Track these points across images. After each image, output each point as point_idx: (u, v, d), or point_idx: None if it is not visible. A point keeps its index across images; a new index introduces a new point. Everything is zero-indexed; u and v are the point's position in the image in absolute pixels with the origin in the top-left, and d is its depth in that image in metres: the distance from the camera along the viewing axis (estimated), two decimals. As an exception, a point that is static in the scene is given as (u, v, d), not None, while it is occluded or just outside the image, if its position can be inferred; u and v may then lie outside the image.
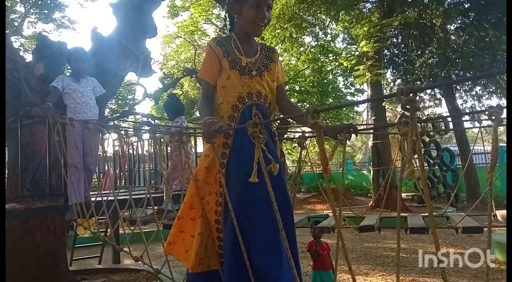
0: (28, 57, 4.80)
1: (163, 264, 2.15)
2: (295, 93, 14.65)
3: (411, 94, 0.92)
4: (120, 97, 17.42)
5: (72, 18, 19.59)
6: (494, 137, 0.98)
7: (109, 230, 5.06)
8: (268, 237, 1.63)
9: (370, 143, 12.70)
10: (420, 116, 13.03)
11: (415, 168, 0.97)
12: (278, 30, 11.40)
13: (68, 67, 3.93)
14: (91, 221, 3.72)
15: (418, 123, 0.96)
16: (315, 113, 1.18)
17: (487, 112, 0.99)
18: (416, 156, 0.99)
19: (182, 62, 19.90)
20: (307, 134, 2.29)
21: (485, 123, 2.78)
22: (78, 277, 4.49)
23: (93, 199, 3.23)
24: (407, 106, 0.92)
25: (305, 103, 14.15)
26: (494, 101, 14.11)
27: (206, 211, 1.77)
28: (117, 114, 13.35)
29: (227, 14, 1.99)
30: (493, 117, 0.97)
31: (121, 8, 4.60)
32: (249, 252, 1.57)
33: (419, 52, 12.38)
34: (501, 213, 3.08)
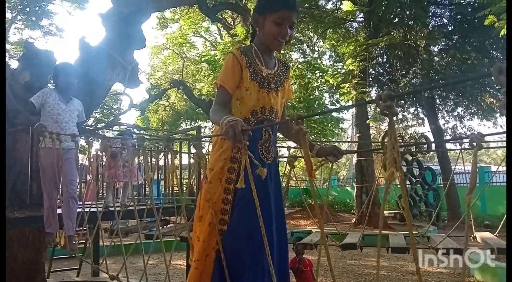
0: (13, 64, 4.74)
1: (140, 279, 2.11)
2: (285, 110, 14.72)
3: (388, 101, 0.97)
4: (105, 106, 17.27)
5: (60, 26, 19.47)
6: (474, 162, 1.01)
7: (88, 242, 4.98)
8: (263, 258, 1.58)
9: (354, 160, 12.82)
10: (403, 134, 13.25)
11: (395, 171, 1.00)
12: (267, 46, 11.55)
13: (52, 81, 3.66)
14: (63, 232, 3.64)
15: (401, 142, 1.00)
16: (299, 120, 1.25)
17: (469, 139, 1.02)
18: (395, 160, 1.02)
19: (170, 73, 19.92)
20: (294, 151, 2.33)
21: (466, 145, 2.84)
22: (55, 289, 4.39)
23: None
24: (385, 111, 0.97)
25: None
26: (475, 122, 14.43)
27: (206, 233, 1.69)
28: (102, 124, 13.22)
29: (250, 25, 1.97)
30: (474, 144, 1.01)
31: (111, 18, 4.61)
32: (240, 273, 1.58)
33: (403, 72, 12.64)
34: (480, 235, 3.13)
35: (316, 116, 14.95)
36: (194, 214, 1.81)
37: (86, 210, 3.02)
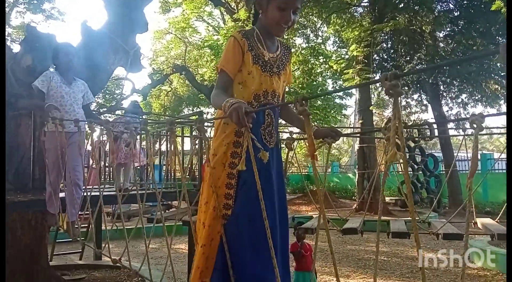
0: (15, 48, 4.72)
1: (141, 263, 2.13)
2: (285, 94, 14.67)
3: (394, 80, 0.96)
4: (107, 91, 17.25)
5: (62, 10, 19.33)
6: (475, 144, 1.01)
7: (91, 226, 5.03)
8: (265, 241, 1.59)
9: (357, 146, 12.81)
10: (406, 121, 13.18)
11: (399, 153, 0.99)
12: (270, 31, 11.45)
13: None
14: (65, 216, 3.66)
15: (404, 129, 0.99)
16: (303, 101, 1.25)
17: (469, 120, 1.01)
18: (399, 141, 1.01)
19: (172, 58, 19.80)
20: (294, 135, 2.32)
21: (469, 131, 2.82)
22: (58, 272, 4.44)
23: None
24: (391, 91, 0.96)
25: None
26: (479, 109, 14.33)
27: (211, 217, 1.70)
28: (104, 109, 13.21)
29: (253, 6, 1.90)
30: (475, 125, 1.00)
31: (113, 2, 4.56)
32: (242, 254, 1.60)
33: (408, 58, 12.53)
34: (481, 221, 3.14)
35: (319, 103, 14.87)
36: (199, 200, 1.82)
37: (89, 194, 3.04)
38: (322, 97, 15.12)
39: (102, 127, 2.95)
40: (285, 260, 1.82)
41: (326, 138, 1.81)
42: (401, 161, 0.98)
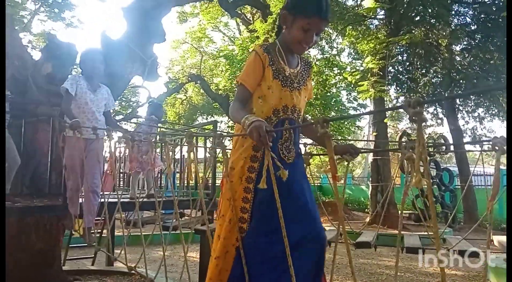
0: (35, 55, 4.83)
1: (157, 271, 2.15)
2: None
3: (418, 107, 0.95)
4: (123, 99, 17.48)
5: (82, 19, 19.75)
6: (496, 167, 0.99)
7: (104, 231, 5.06)
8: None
9: (370, 159, 12.71)
10: (424, 131, 13.02)
11: (423, 179, 0.99)
12: (285, 42, 11.52)
13: (77, 69, 3.74)
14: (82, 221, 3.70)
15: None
16: (324, 123, 1.26)
17: (491, 143, 1.00)
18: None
19: (188, 67, 20.02)
20: (308, 147, 2.32)
21: (485, 147, 2.79)
22: (71, 277, 4.48)
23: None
24: (414, 118, 0.95)
25: (307, 115, 14.15)
26: (496, 123, 14.15)
27: (227, 230, 1.69)
28: (121, 116, 13.39)
29: (278, 19, 1.90)
30: (497, 148, 0.98)
31: (132, 12, 4.65)
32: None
33: (424, 71, 12.43)
34: (497, 238, 3.08)
35: (333, 113, 14.84)
36: (217, 213, 1.83)
37: (106, 200, 3.08)
38: (336, 108, 15.09)
39: (121, 136, 2.99)
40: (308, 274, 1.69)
41: (344, 155, 1.81)
42: (425, 185, 0.98)
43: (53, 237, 3.93)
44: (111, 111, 3.61)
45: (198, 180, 3.47)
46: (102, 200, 3.22)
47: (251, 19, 16.15)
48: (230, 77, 15.69)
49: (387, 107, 13.01)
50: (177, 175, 6.21)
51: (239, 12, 15.44)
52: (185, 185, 5.57)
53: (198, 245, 4.23)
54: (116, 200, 3.10)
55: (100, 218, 3.74)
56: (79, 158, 3.01)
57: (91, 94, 3.25)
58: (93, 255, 5.67)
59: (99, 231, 5.50)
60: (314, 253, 1.68)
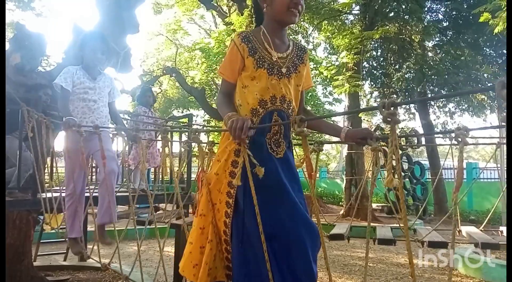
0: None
1: (132, 267, 2.12)
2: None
3: (392, 108, 0.96)
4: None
5: (52, 8, 19.17)
6: (460, 158, 1.02)
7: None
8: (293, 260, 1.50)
9: (345, 152, 12.89)
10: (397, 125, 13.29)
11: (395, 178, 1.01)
12: (261, 35, 11.50)
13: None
14: (59, 217, 3.61)
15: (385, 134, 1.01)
16: (300, 122, 1.27)
17: (454, 134, 1.02)
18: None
19: (163, 60, 19.75)
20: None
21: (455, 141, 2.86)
22: (42, 273, 4.38)
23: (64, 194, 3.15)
24: (388, 119, 0.96)
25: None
26: (466, 118, 14.55)
27: (217, 218, 1.64)
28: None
29: (253, 6, 1.79)
30: (459, 139, 1.00)
31: (105, 2, 4.54)
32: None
33: (397, 67, 12.68)
34: (466, 229, 3.19)
35: (309, 108, 14.91)
36: (197, 205, 1.79)
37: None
38: (312, 103, 15.20)
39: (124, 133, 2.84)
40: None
41: (368, 140, 1.56)
42: (396, 184, 0.99)
43: (23, 232, 3.83)
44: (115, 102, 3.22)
45: (173, 174, 3.42)
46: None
47: (227, 12, 16.02)
48: (206, 70, 15.56)
49: (361, 101, 13.20)
50: (152, 169, 6.13)
51: (215, 4, 15.31)
52: (160, 179, 5.52)
53: (173, 239, 4.21)
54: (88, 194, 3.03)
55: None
56: (79, 158, 2.63)
57: (90, 82, 2.97)
58: (65, 251, 5.56)
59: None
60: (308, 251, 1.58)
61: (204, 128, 13.15)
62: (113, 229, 2.60)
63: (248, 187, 1.51)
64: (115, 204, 2.86)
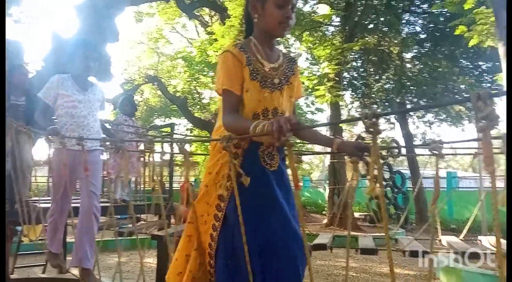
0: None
1: (113, 278, 2.08)
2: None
3: (373, 119, 0.98)
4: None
5: (32, 15, 18.84)
6: (436, 171, 1.03)
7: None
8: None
9: (327, 162, 12.98)
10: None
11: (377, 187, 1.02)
12: (244, 45, 11.58)
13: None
14: (37, 228, 3.51)
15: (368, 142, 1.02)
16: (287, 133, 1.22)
17: (430, 147, 1.03)
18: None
19: (144, 68, 19.61)
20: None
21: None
22: (19, 287, 4.24)
23: (44, 205, 3.07)
24: (370, 129, 0.97)
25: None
26: (444, 128, 14.88)
27: (203, 230, 1.59)
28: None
29: (245, 16, 1.73)
30: (435, 152, 1.01)
31: (85, 10, 4.52)
32: None
33: (377, 77, 12.92)
34: (446, 238, 3.23)
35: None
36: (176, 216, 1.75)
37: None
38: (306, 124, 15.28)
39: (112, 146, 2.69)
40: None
41: (353, 156, 1.53)
42: (378, 192, 1.00)
43: (-2, 245, 3.71)
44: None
45: (155, 185, 3.34)
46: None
47: (209, 21, 16.07)
48: (189, 79, 15.53)
49: (342, 111, 13.36)
50: (133, 179, 6.05)
51: (197, 14, 15.33)
52: (142, 189, 5.45)
53: (155, 250, 4.14)
54: (76, 205, 2.97)
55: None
56: (65, 175, 2.46)
57: (80, 95, 2.72)
58: (44, 263, 5.41)
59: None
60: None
61: (187, 137, 13.07)
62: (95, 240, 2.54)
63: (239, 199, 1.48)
64: (92, 246, 2.60)
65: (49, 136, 2.38)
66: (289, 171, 1.66)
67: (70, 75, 2.78)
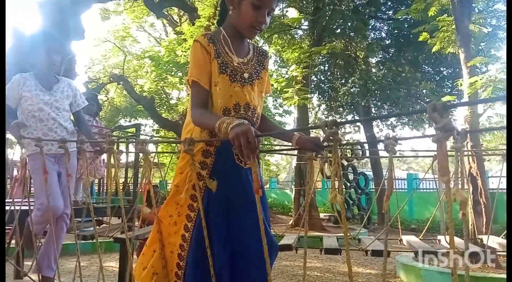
0: None
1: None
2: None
3: (334, 127, 1.00)
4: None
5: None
6: (389, 168, 1.07)
7: (12, 241, 4.66)
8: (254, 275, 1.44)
9: (294, 163, 13.12)
10: (343, 137, 13.78)
11: (338, 193, 1.04)
12: (212, 46, 11.54)
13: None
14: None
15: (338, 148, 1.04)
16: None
17: (384, 143, 1.07)
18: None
19: (110, 67, 19.20)
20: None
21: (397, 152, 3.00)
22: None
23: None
24: (331, 137, 1.00)
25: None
26: (406, 131, 15.34)
27: (172, 231, 1.56)
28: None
29: (221, 3, 1.64)
30: (389, 149, 1.05)
31: (48, 6, 4.38)
32: None
33: (343, 81, 13.19)
34: (406, 238, 3.33)
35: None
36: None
37: (14, 207, 2.82)
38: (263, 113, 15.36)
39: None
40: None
41: (307, 151, 1.60)
42: (339, 200, 1.02)
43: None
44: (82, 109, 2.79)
45: (118, 187, 3.26)
46: (13, 207, 2.90)
47: (178, 21, 15.91)
48: (156, 79, 15.31)
49: (310, 113, 13.55)
50: (96, 181, 5.91)
51: (166, 13, 15.16)
52: (105, 191, 5.33)
53: (117, 254, 4.06)
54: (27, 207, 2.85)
55: (9, 227, 3.42)
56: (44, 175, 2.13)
57: (45, 95, 2.49)
58: (-2, 268, 5.19)
59: (7, 241, 5.06)
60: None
61: (153, 138, 12.88)
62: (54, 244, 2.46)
63: (210, 200, 1.48)
64: (56, 254, 2.40)
65: (19, 136, 2.21)
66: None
67: (32, 74, 2.56)
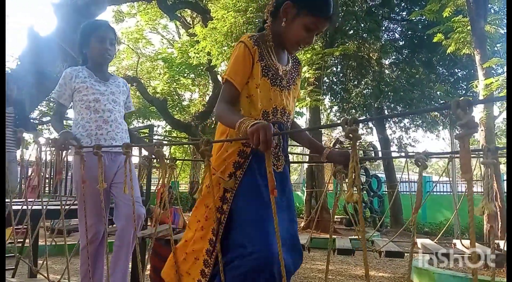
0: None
1: None
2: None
3: (353, 125, 0.99)
4: (52, 99, 16.48)
5: (6, 12, 18.41)
6: (419, 181, 1.05)
7: (27, 240, 4.72)
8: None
9: (305, 165, 13.06)
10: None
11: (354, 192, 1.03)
12: (226, 48, 11.52)
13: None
14: (7, 231, 3.42)
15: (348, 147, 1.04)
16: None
17: (414, 158, 1.05)
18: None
19: (123, 68, 19.37)
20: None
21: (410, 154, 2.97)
22: (-13, 291, 4.11)
23: (14, 207, 2.99)
24: (350, 135, 0.99)
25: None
26: (420, 133, 15.15)
27: (198, 236, 1.56)
28: (48, 118, 12.62)
29: (274, 7, 1.61)
30: (419, 163, 1.03)
31: (64, 8, 4.43)
32: None
33: (356, 83, 13.09)
34: (421, 241, 3.29)
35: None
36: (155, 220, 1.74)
37: (27, 207, 2.86)
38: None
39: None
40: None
41: (339, 166, 1.61)
42: (356, 198, 1.01)
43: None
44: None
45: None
46: (24, 207, 2.95)
47: (191, 23, 16.00)
48: (169, 80, 15.41)
49: (322, 115, 13.49)
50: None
51: (179, 15, 15.26)
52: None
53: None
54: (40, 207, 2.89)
55: (22, 227, 3.47)
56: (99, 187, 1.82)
57: (101, 86, 2.31)
58: (13, 266, 5.26)
59: (21, 240, 5.14)
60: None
61: (166, 139, 12.95)
62: (63, 243, 2.48)
63: (240, 199, 1.48)
64: (127, 265, 2.20)
65: (63, 144, 2.02)
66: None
67: (84, 66, 2.38)
